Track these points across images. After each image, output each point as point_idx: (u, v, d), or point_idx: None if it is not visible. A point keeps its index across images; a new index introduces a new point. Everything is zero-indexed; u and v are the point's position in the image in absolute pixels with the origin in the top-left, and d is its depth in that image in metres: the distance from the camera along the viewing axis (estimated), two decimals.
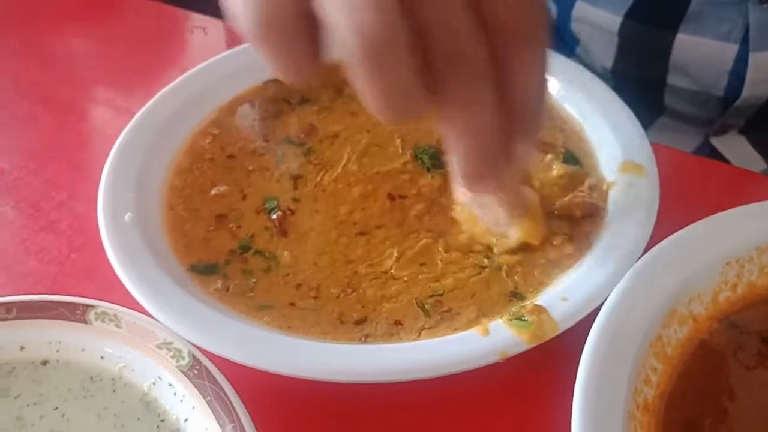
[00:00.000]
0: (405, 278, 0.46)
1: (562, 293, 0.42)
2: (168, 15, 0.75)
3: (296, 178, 0.53)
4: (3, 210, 0.57)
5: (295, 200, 0.51)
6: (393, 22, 0.28)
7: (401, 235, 0.49)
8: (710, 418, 0.38)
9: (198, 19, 0.73)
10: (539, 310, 0.41)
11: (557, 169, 0.49)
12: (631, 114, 0.52)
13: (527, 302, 0.42)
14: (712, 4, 0.59)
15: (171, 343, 0.41)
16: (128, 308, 0.42)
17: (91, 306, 0.42)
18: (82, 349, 0.41)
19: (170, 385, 0.40)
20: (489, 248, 0.47)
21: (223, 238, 0.49)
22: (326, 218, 0.50)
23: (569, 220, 0.47)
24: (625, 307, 0.40)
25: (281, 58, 0.30)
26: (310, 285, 0.46)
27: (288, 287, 0.46)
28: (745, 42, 0.60)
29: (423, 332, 0.43)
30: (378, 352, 0.41)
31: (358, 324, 0.44)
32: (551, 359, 0.42)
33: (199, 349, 0.41)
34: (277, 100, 0.58)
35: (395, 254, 0.47)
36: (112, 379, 0.41)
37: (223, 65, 0.58)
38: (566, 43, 0.72)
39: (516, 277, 0.45)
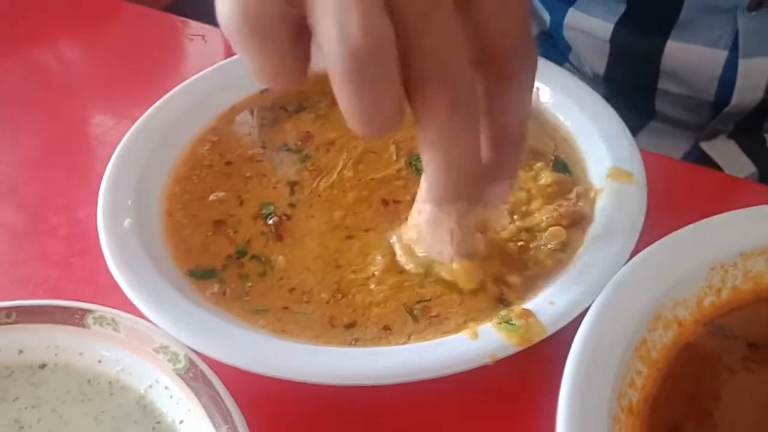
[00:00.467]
0: (390, 285, 0.47)
1: (550, 297, 0.43)
2: (167, 23, 0.76)
3: (293, 185, 0.54)
4: (4, 215, 0.58)
5: (292, 206, 0.52)
6: (382, 39, 0.28)
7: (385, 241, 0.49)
8: (694, 421, 0.39)
9: (196, 27, 0.74)
10: (527, 314, 0.42)
11: (545, 177, 0.50)
12: (621, 121, 0.52)
13: (515, 306, 0.43)
14: (701, 11, 0.60)
15: (168, 347, 0.41)
16: (126, 312, 0.43)
17: (90, 310, 0.43)
18: (80, 353, 0.42)
19: (166, 387, 0.41)
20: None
21: (221, 244, 0.50)
22: (321, 223, 0.51)
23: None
24: (610, 312, 0.40)
25: (261, 59, 0.30)
26: (303, 289, 0.47)
27: (282, 291, 0.47)
28: (734, 49, 0.61)
29: (412, 336, 0.44)
30: (369, 355, 0.42)
31: (348, 328, 0.45)
32: (539, 362, 0.42)
33: (196, 352, 0.42)
34: (274, 108, 0.59)
35: (378, 258, 0.48)
36: (110, 382, 0.42)
37: (221, 73, 0.59)
38: (559, 49, 0.73)
39: (503, 286, 0.46)
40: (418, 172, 0.53)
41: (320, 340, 0.44)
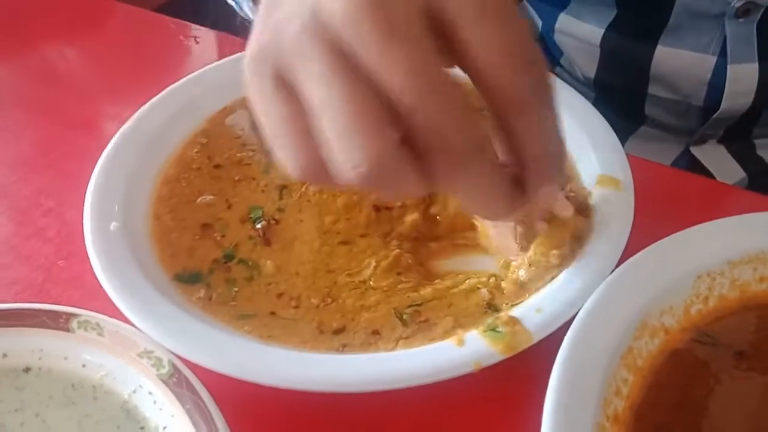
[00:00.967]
0: (384, 288, 0.47)
1: (537, 305, 0.43)
2: (160, 24, 0.75)
3: (282, 188, 0.53)
4: None
5: (280, 210, 0.52)
6: (383, 159, 0.29)
7: (383, 245, 0.49)
8: (680, 429, 0.39)
9: (191, 28, 0.74)
10: (513, 321, 0.42)
11: None
12: (609, 128, 0.52)
13: (502, 313, 0.43)
14: (690, 17, 0.60)
15: (152, 352, 0.41)
16: (112, 317, 0.43)
17: (74, 315, 0.43)
18: (65, 357, 0.42)
19: (150, 393, 0.41)
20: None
21: (208, 248, 0.50)
22: (310, 228, 0.51)
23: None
24: (597, 319, 0.40)
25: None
26: (291, 294, 0.47)
27: (269, 296, 0.47)
28: (723, 54, 0.61)
29: (400, 342, 0.44)
30: (355, 363, 0.42)
31: (336, 333, 0.45)
32: (525, 369, 0.42)
33: (180, 358, 0.41)
34: None
35: (373, 264, 0.48)
36: (93, 386, 0.42)
37: (212, 75, 0.59)
38: (550, 54, 0.73)
39: (494, 290, 0.46)
40: None
41: (307, 346, 0.44)
